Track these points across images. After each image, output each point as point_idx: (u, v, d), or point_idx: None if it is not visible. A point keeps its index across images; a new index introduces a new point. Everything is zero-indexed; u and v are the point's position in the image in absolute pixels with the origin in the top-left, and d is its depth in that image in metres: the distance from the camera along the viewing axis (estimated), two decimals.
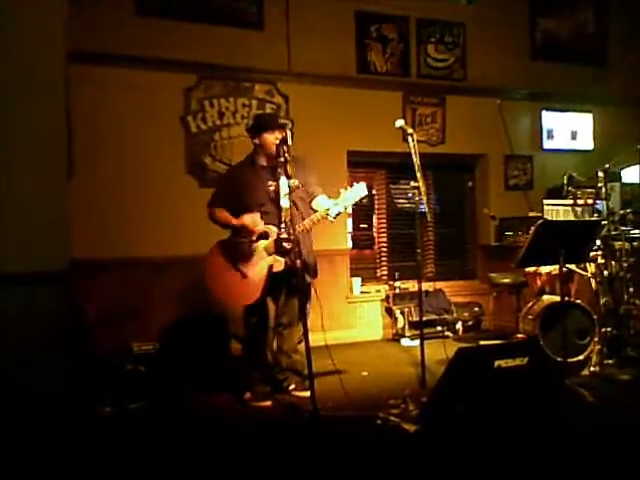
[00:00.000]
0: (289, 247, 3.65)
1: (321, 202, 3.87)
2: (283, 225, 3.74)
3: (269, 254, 3.79)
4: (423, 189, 3.98)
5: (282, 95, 5.75)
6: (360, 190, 3.75)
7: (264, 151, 3.88)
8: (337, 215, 3.74)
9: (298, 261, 3.60)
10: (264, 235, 3.81)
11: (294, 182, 3.68)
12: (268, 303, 3.87)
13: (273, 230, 3.79)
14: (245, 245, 3.80)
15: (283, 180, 3.75)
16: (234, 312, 4.03)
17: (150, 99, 5.19)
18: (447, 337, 5.89)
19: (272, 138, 3.81)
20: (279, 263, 3.77)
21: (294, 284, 3.73)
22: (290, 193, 3.65)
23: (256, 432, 3.37)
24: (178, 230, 5.16)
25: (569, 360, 4.22)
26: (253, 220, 3.78)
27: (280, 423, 3.50)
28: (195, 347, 4.51)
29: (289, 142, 3.67)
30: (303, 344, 3.56)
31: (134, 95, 5.13)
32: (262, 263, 3.78)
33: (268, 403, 3.85)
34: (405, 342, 5.82)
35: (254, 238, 3.79)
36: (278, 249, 3.75)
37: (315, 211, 3.84)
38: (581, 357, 4.43)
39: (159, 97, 5.23)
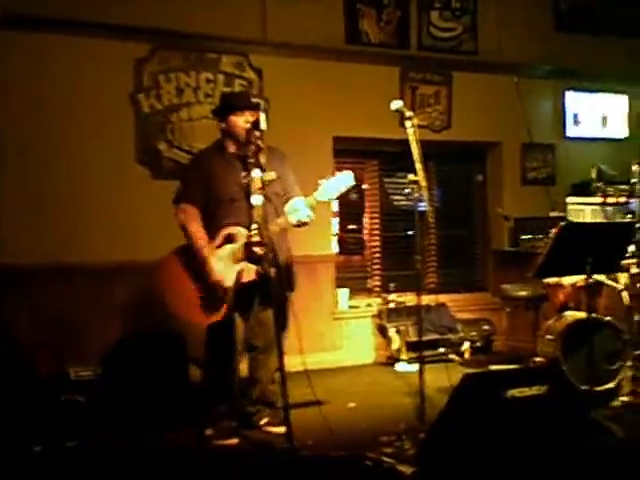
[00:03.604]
0: (262, 253, 3.65)
1: (294, 205, 3.86)
2: (255, 226, 3.73)
3: (237, 262, 3.77)
4: (423, 183, 3.98)
5: (255, 69, 5.75)
6: (345, 180, 3.74)
7: (233, 137, 3.88)
8: (303, 223, 3.75)
9: (273, 270, 3.59)
10: (231, 238, 3.80)
11: (270, 174, 3.68)
12: (236, 320, 3.85)
13: (242, 232, 3.78)
14: None
15: (256, 172, 3.74)
16: (194, 331, 4.01)
17: (92, 72, 5.16)
18: (451, 361, 5.92)
19: (241, 121, 3.82)
20: (249, 272, 3.77)
21: (268, 297, 3.73)
22: (263, 187, 3.64)
23: (220, 476, 3.35)
24: (127, 231, 5.14)
25: (596, 389, 4.25)
26: (221, 271, 3.73)
27: (249, 465, 3.48)
28: (146, 373, 4.47)
29: (262, 126, 3.68)
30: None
31: (73, 68, 5.11)
32: (229, 273, 3.77)
33: (234, 441, 3.83)
34: (401, 367, 5.84)
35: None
36: (249, 255, 3.74)
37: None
38: (611, 385, 4.46)
39: (103, 70, 5.20)
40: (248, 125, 3.78)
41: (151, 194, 5.01)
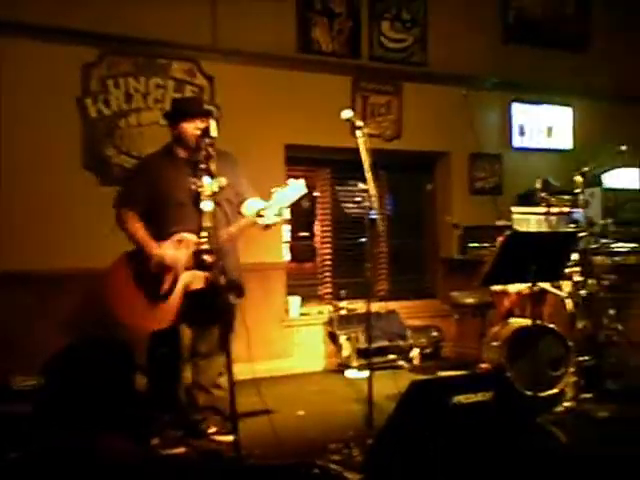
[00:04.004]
0: (211, 260, 3.62)
1: (252, 205, 3.86)
2: (204, 233, 3.71)
3: (186, 269, 3.75)
4: (374, 192, 4.02)
5: (206, 76, 5.71)
6: (297, 188, 3.74)
7: (183, 143, 3.86)
8: (271, 224, 3.74)
9: (222, 277, 3.57)
10: (179, 246, 3.76)
11: (220, 181, 3.66)
12: (182, 329, 3.82)
13: (191, 240, 3.75)
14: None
15: (206, 179, 3.72)
16: (140, 338, 3.97)
17: (38, 76, 5.07)
18: (401, 367, 5.97)
19: (192, 128, 3.79)
20: (198, 280, 3.74)
21: (216, 305, 3.70)
22: (214, 194, 3.61)
23: None
24: (72, 238, 5.05)
25: (540, 394, 4.32)
26: (175, 258, 3.73)
27: (196, 474, 3.44)
28: (91, 382, 4.41)
29: (213, 134, 3.66)
30: (226, 377, 3.53)
31: (17, 71, 5.01)
32: (178, 281, 3.74)
33: (181, 450, 3.79)
34: (351, 374, 5.85)
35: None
36: (197, 263, 3.72)
37: (244, 217, 3.84)
38: (554, 391, 4.54)
39: (50, 73, 5.11)
40: (198, 132, 3.76)
41: (97, 201, 4.93)
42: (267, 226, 3.75)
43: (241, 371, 3.87)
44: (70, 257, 4.99)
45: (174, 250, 3.74)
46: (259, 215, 3.70)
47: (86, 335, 4.81)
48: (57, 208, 5.10)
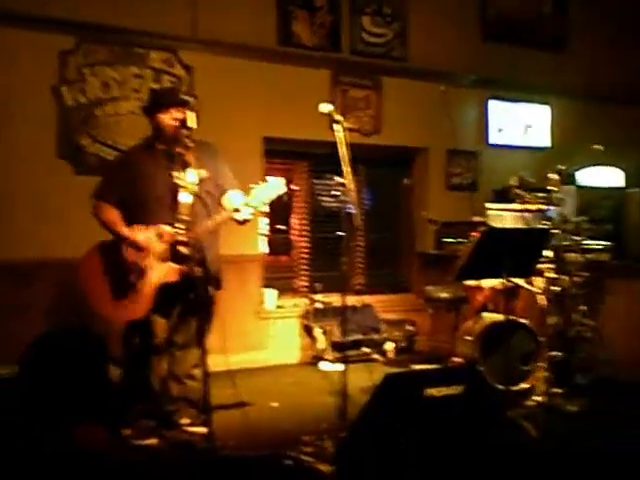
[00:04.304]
0: (187, 252, 3.61)
1: (232, 198, 3.84)
2: (181, 225, 3.70)
3: (162, 261, 3.73)
4: (351, 186, 4.02)
5: (184, 66, 5.68)
6: (276, 187, 3.74)
7: (160, 134, 3.83)
8: (246, 221, 3.74)
9: (199, 269, 3.56)
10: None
11: (200, 173, 3.65)
12: (156, 320, 3.81)
13: (167, 232, 3.73)
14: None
15: (185, 171, 3.70)
16: (113, 329, 3.95)
17: (12, 63, 5.00)
18: (375, 360, 6.01)
19: (168, 119, 3.77)
20: (173, 272, 3.73)
21: (192, 297, 3.70)
22: (193, 186, 3.60)
23: (137, 477, 3.30)
24: (46, 227, 5.01)
25: (512, 388, 4.38)
26: (148, 239, 3.73)
27: (168, 465, 3.44)
28: (64, 372, 4.38)
29: (192, 125, 3.64)
30: (200, 369, 3.53)
31: None
32: (152, 272, 3.73)
33: (153, 441, 3.79)
34: (325, 366, 5.87)
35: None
36: (174, 255, 3.71)
37: (224, 209, 3.83)
38: (525, 385, 4.61)
39: (25, 61, 5.04)
40: (175, 122, 3.73)
41: (72, 190, 4.89)
42: (243, 221, 3.75)
43: (216, 363, 3.86)
44: (45, 246, 4.94)
45: (146, 233, 3.74)
46: (236, 210, 3.70)
47: (60, 325, 4.79)
48: (31, 197, 5.03)
